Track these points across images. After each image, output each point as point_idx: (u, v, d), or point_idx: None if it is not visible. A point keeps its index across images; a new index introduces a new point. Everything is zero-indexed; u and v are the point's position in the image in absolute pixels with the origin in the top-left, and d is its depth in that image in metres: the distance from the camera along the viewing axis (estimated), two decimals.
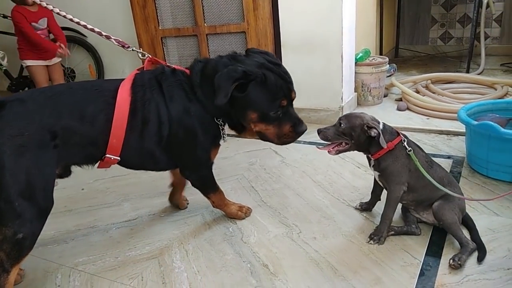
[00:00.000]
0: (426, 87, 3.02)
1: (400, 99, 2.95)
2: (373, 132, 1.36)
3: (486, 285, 1.23)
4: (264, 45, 2.73)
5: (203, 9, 2.79)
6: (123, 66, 3.51)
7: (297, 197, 1.83)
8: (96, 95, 1.34)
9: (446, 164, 1.99)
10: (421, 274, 1.29)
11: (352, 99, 2.82)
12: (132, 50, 1.62)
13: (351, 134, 1.40)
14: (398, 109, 2.80)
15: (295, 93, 1.45)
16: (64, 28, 3.34)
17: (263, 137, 1.50)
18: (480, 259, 1.32)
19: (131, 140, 1.35)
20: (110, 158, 1.36)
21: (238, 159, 2.29)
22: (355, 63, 2.84)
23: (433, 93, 2.89)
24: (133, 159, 1.45)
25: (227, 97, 1.31)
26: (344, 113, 2.68)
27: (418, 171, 1.39)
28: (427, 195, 1.44)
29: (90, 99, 1.32)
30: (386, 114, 2.74)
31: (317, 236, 1.53)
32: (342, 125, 1.41)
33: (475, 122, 1.80)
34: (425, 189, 1.42)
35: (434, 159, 2.03)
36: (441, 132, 2.38)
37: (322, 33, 2.53)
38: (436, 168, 1.46)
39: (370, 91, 2.90)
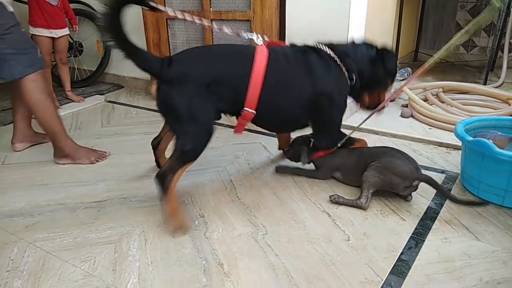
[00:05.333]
0: (436, 95, 2.87)
1: (406, 105, 2.82)
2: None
3: None
4: (268, 36, 2.64)
5: None
6: None
7: (273, 197, 1.76)
8: (240, 55, 1.62)
9: (437, 179, 1.87)
10: None
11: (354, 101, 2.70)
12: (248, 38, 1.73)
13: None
14: (402, 115, 2.68)
15: None
16: (74, 1, 3.34)
17: (371, 100, 1.88)
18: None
19: (266, 97, 1.58)
20: (248, 111, 1.59)
21: (224, 150, 2.24)
22: None
23: (442, 102, 2.75)
24: (268, 115, 1.65)
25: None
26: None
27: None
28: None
29: (236, 57, 1.61)
30: (388, 120, 2.62)
31: (282, 240, 1.46)
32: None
33: (470, 138, 1.68)
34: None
35: (426, 172, 1.95)
36: (440, 144, 2.25)
37: (328, 30, 2.43)
38: None
39: None
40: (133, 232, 1.52)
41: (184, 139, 1.52)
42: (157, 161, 1.97)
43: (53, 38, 2.91)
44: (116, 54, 3.61)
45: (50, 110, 2.00)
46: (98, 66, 3.57)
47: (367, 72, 1.76)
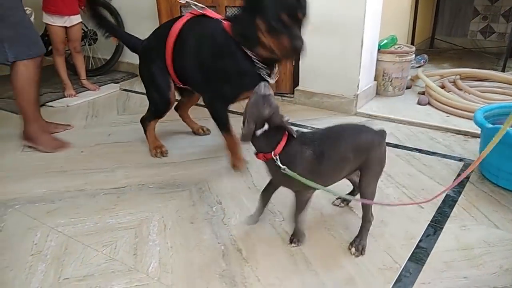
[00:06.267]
0: (454, 82, 2.83)
1: (423, 93, 2.79)
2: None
3: None
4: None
5: None
6: (143, 32, 3.47)
7: None
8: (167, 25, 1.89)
9: (455, 167, 1.86)
10: (398, 280, 1.22)
11: (370, 87, 2.68)
12: (186, 2, 1.86)
13: None
14: (419, 103, 2.64)
15: (303, 15, 1.56)
16: None
17: (271, 52, 1.61)
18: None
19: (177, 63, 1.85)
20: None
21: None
22: (378, 50, 2.69)
23: (460, 89, 2.70)
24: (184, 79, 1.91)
25: None
26: (358, 102, 2.56)
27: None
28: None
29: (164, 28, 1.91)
30: (404, 108, 2.59)
31: None
32: None
33: (490, 125, 1.66)
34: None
35: (444, 160, 1.93)
36: (458, 132, 2.23)
37: (344, 15, 2.39)
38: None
39: (391, 81, 2.74)
40: (152, 217, 1.55)
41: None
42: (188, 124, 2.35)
43: (66, 27, 2.92)
44: None
45: (29, 97, 2.05)
46: (112, 54, 3.58)
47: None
